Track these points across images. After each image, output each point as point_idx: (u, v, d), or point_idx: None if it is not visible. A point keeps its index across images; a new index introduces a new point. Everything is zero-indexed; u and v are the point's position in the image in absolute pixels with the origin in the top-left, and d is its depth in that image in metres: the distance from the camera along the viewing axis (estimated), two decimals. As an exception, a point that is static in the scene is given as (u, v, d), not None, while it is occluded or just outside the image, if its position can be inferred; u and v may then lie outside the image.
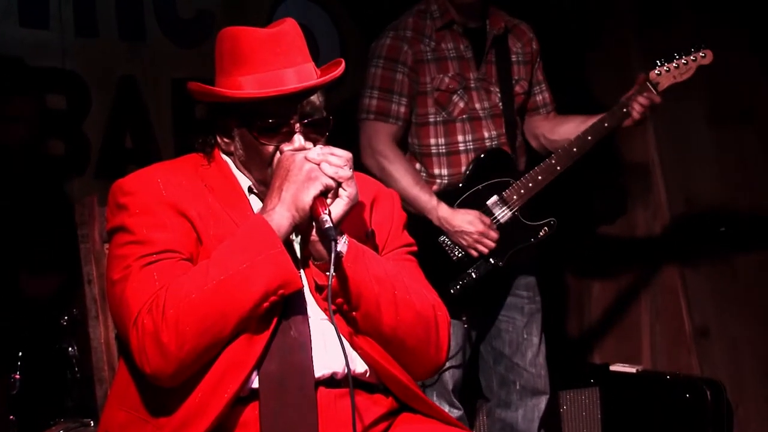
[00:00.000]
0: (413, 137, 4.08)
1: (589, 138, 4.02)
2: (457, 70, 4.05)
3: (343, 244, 2.46)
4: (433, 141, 4.06)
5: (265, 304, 2.38)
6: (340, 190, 2.45)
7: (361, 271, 2.49)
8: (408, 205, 3.83)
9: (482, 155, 4.06)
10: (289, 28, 2.55)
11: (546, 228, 4.06)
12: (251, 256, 2.37)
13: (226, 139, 2.61)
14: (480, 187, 4.03)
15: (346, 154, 2.47)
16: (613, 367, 4.84)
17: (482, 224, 3.94)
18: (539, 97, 4.33)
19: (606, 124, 4.03)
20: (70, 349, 3.70)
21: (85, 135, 4.50)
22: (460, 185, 4.04)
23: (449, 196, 4.02)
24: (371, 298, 2.49)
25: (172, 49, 4.71)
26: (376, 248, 2.65)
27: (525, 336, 4.16)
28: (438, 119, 4.06)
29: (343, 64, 2.60)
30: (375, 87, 4.02)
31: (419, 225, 3.85)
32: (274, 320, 2.43)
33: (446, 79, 4.04)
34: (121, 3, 4.62)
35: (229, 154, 2.62)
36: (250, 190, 2.60)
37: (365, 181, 2.73)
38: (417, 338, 2.56)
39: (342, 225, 2.48)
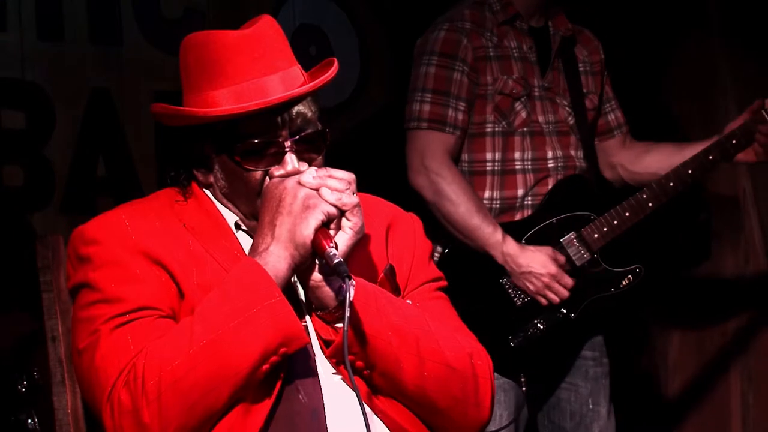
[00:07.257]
0: (463, 151, 4.01)
1: (690, 172, 3.98)
2: (521, 73, 4.00)
3: (349, 288, 2.39)
4: (489, 156, 3.99)
5: (265, 367, 2.35)
6: (343, 220, 2.43)
7: (372, 321, 2.44)
8: (464, 237, 3.85)
9: (561, 180, 4.00)
10: (265, 26, 2.52)
11: (630, 276, 4.00)
12: (244, 310, 2.33)
13: (203, 170, 2.59)
14: (554, 220, 3.98)
15: (347, 176, 2.46)
16: (697, 447, 4.79)
17: (556, 266, 3.87)
18: (611, 116, 4.27)
19: (710, 157, 3.98)
20: (29, 421, 3.66)
21: (48, 160, 4.38)
22: (528, 215, 3.97)
23: (512, 228, 3.92)
24: (388, 353, 2.46)
25: (154, 56, 4.59)
26: (396, 288, 2.61)
27: (591, 406, 4.11)
28: (497, 129, 3.99)
29: (336, 63, 2.56)
30: (427, 89, 3.94)
31: (476, 260, 3.88)
32: (278, 383, 2.40)
33: (510, 82, 3.98)
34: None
35: (208, 186, 2.61)
36: (237, 226, 2.59)
37: (375, 203, 2.72)
38: (451, 397, 2.52)
39: (347, 263, 2.40)
